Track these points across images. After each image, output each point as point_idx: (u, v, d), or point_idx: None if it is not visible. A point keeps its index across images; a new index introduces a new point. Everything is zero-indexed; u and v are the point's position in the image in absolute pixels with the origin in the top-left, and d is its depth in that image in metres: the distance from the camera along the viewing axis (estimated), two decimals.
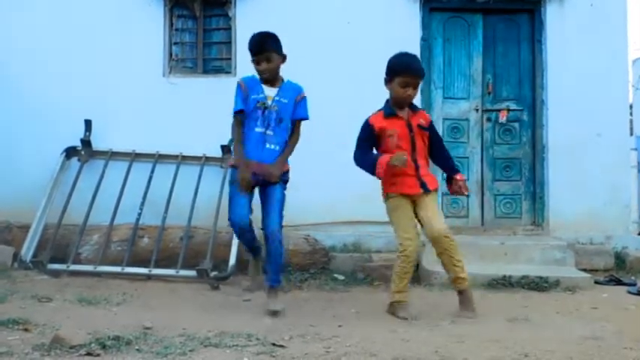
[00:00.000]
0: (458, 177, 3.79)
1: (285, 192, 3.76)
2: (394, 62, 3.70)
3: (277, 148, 3.72)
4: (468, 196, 3.76)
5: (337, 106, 5.69)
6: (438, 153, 3.87)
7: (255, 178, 3.68)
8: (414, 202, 3.72)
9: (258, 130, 3.69)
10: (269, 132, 3.69)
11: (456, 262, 3.65)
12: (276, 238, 3.60)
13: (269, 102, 3.70)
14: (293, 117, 3.79)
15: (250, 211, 3.73)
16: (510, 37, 6.15)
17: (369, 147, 3.76)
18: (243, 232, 3.72)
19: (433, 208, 3.71)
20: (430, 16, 6.04)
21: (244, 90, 3.73)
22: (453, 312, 3.73)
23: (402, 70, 3.63)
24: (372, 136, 3.73)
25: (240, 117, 3.74)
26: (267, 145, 3.70)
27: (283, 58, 3.75)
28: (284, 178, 3.76)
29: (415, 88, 3.65)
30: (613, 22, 5.88)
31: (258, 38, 3.74)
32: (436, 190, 3.78)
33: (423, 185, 3.69)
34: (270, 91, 3.74)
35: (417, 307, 3.78)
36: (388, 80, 3.70)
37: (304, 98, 3.83)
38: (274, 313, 3.56)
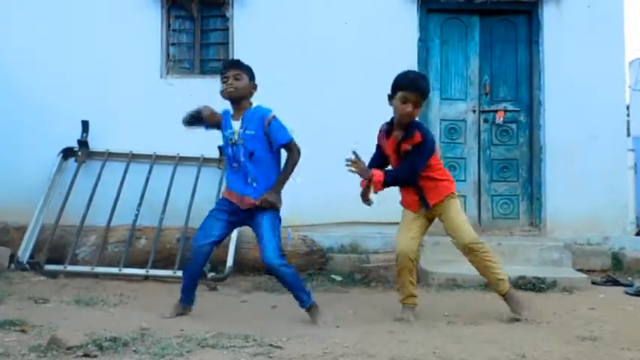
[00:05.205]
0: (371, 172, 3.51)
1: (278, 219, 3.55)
2: (398, 77, 3.60)
3: (255, 184, 3.49)
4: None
5: (333, 107, 5.71)
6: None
7: (240, 215, 3.54)
8: (430, 214, 3.70)
9: (235, 165, 3.52)
10: (243, 168, 3.48)
11: (492, 270, 3.62)
12: (277, 269, 3.43)
13: (235, 137, 3.49)
14: (275, 146, 3.51)
15: (216, 243, 3.55)
16: (507, 38, 6.16)
17: (377, 154, 3.79)
18: (195, 258, 3.54)
19: (453, 219, 3.63)
20: (427, 18, 6.05)
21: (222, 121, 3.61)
22: (451, 312, 3.74)
23: (404, 85, 3.53)
24: (380, 144, 3.78)
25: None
26: (249, 181, 3.50)
27: (254, 86, 3.56)
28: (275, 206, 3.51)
29: (416, 106, 3.51)
30: (610, 24, 5.89)
31: (231, 59, 3.72)
32: (449, 197, 3.66)
33: (423, 201, 3.63)
34: (236, 125, 3.51)
35: (416, 308, 3.78)
36: (392, 96, 3.59)
37: (271, 121, 3.46)
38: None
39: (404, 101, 3.51)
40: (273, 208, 3.50)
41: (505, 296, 3.65)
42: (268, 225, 3.46)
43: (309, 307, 3.56)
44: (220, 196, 3.69)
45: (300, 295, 3.56)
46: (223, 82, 3.52)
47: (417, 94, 3.51)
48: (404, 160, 3.58)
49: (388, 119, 3.70)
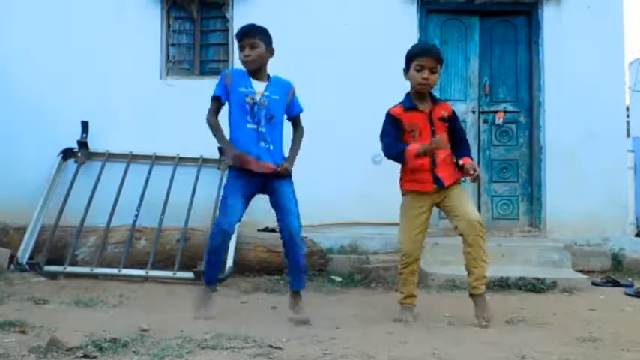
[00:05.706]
0: (461, 162, 3.59)
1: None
2: (410, 49, 3.61)
3: (272, 147, 3.54)
4: (476, 179, 3.61)
5: (333, 107, 5.70)
6: (457, 146, 3.66)
7: (255, 182, 3.53)
8: (436, 200, 3.61)
9: (250, 126, 3.51)
10: (261, 129, 3.51)
11: (484, 257, 3.50)
12: (301, 241, 3.57)
13: (257, 97, 3.51)
14: (291, 114, 3.71)
15: (239, 219, 3.59)
16: (507, 39, 6.16)
17: (396, 135, 3.58)
18: (224, 242, 3.57)
19: (461, 199, 3.57)
20: (427, 19, 6.05)
21: (228, 82, 3.53)
22: (451, 313, 3.74)
23: (417, 53, 3.54)
24: (398, 125, 3.57)
25: (217, 105, 3.61)
26: (262, 144, 3.51)
27: (271, 51, 3.58)
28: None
29: (433, 72, 3.50)
30: (609, 24, 5.90)
31: (246, 25, 3.59)
32: (458, 182, 3.64)
33: (437, 181, 3.55)
34: (259, 86, 3.54)
35: (415, 309, 3.78)
36: (406, 69, 3.58)
37: (295, 92, 3.71)
38: (305, 321, 3.46)
39: (419, 69, 3.51)
40: (289, 176, 3.60)
41: (478, 296, 3.56)
42: (292, 196, 3.59)
43: (298, 292, 3.62)
44: (227, 164, 3.61)
45: (303, 276, 3.65)
46: (240, 52, 3.54)
47: (432, 59, 3.51)
48: (458, 137, 3.66)
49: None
